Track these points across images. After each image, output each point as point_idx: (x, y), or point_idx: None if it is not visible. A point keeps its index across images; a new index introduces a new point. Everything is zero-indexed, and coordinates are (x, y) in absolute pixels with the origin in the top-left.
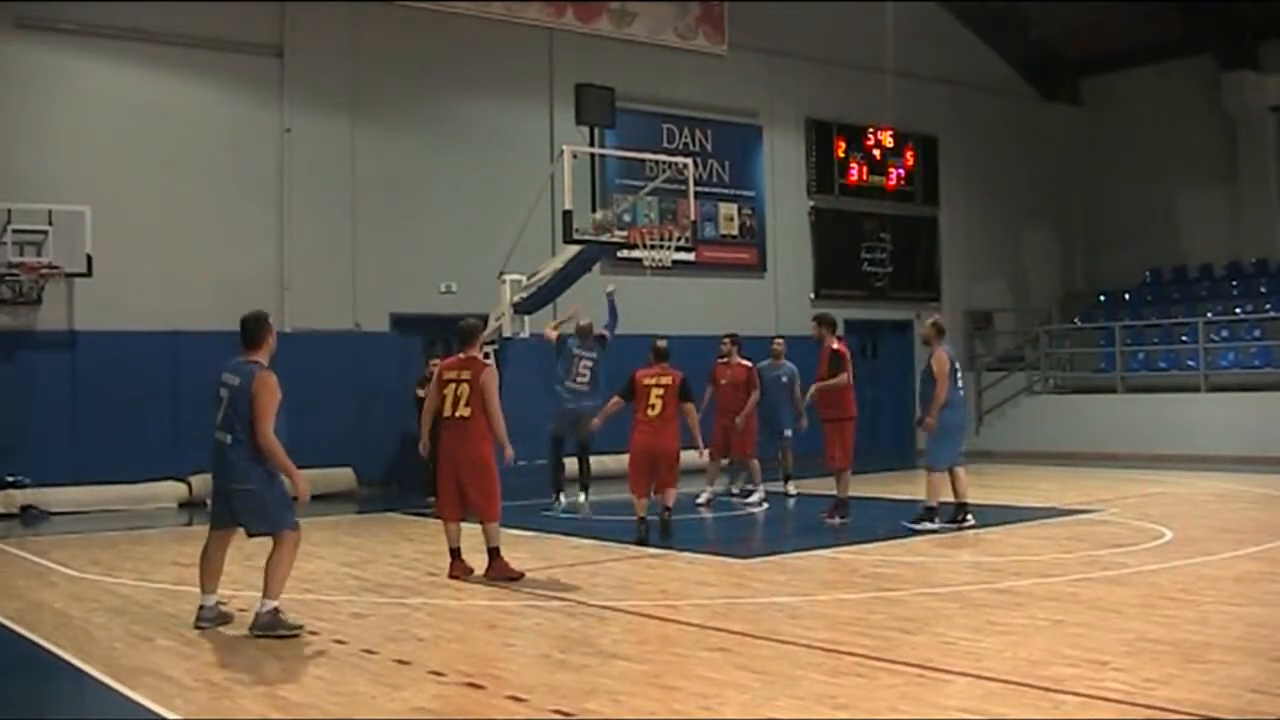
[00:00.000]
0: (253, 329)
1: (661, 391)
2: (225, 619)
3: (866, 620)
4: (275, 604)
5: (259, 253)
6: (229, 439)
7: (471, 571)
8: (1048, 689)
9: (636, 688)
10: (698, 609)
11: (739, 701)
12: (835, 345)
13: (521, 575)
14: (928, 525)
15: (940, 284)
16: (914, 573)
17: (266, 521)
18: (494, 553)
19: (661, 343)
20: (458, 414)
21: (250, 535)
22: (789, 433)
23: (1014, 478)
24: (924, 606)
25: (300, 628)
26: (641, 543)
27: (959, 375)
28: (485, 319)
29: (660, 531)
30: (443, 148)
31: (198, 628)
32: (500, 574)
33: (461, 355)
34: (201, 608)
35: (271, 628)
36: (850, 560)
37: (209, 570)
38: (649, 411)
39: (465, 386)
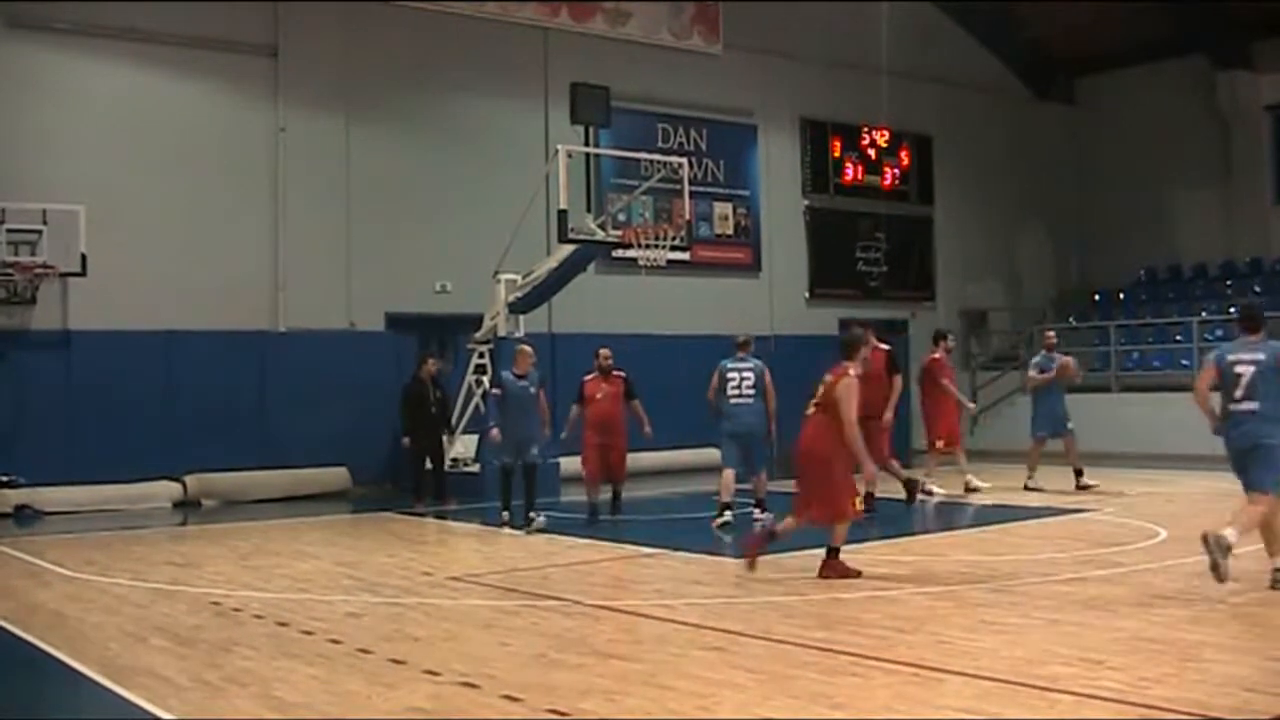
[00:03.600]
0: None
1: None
2: None
3: (862, 619)
4: None
5: (254, 252)
6: (1255, 406)
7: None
8: (1043, 688)
9: (631, 687)
10: (693, 608)
11: (734, 701)
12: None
13: (859, 574)
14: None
15: (935, 283)
16: (909, 572)
17: (1272, 472)
18: (831, 552)
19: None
20: (807, 411)
21: (1252, 489)
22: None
23: (1010, 477)
24: (920, 606)
25: None
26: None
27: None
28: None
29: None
30: (438, 147)
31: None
32: (833, 573)
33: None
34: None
35: None
36: (846, 560)
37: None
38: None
39: (823, 388)
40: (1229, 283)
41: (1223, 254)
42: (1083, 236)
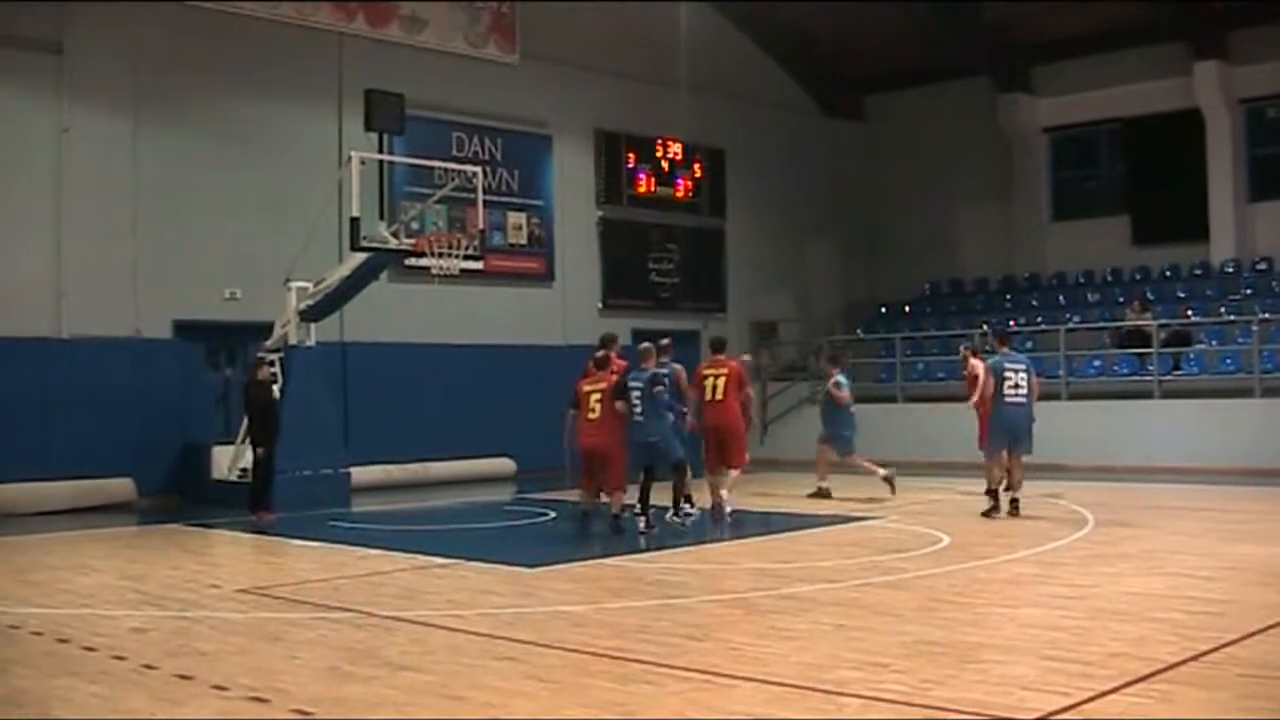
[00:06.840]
0: None
1: (599, 395)
2: None
3: (653, 627)
4: None
5: (35, 257)
6: None
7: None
8: (830, 691)
9: (423, 698)
10: (485, 618)
11: (527, 710)
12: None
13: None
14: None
15: (726, 294)
16: (700, 580)
17: None
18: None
19: (600, 353)
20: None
21: None
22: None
23: (798, 485)
24: (710, 613)
25: None
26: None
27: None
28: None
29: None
30: (229, 151)
31: None
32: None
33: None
34: None
35: None
36: (637, 568)
37: None
38: (590, 415)
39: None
40: (1008, 297)
41: (1003, 269)
42: (870, 250)
